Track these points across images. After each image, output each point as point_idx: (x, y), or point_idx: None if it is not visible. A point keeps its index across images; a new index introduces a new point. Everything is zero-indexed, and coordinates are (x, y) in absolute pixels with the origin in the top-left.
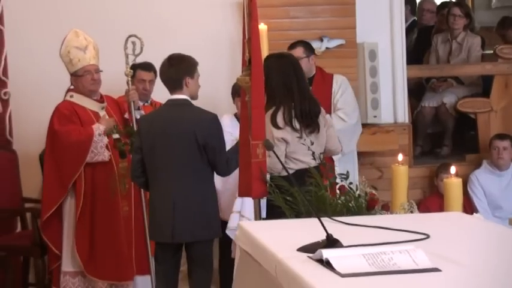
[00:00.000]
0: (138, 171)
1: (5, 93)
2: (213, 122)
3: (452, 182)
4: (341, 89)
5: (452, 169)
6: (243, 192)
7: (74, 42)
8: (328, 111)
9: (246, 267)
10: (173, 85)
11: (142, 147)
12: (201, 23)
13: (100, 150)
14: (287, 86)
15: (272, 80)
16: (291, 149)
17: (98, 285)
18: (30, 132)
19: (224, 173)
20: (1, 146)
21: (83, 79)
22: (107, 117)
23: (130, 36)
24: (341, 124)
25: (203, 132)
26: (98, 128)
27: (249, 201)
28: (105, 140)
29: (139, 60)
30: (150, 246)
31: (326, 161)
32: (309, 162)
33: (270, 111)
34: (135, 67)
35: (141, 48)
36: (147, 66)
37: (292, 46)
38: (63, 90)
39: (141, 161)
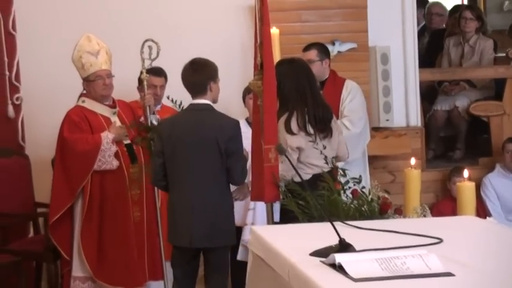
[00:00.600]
0: (160, 175)
1: (17, 98)
2: (234, 127)
3: (465, 185)
4: (350, 95)
5: (465, 173)
6: (256, 196)
7: (86, 47)
8: (336, 117)
9: (258, 272)
10: (197, 90)
11: (164, 152)
12: (213, 27)
13: (108, 159)
14: (300, 91)
15: (285, 85)
16: (305, 154)
17: None
18: (42, 137)
19: (238, 181)
20: (13, 151)
21: (94, 84)
22: (119, 123)
23: (146, 40)
24: (344, 132)
25: (224, 137)
26: (107, 137)
27: (261, 213)
28: (114, 148)
29: (133, 65)
30: (164, 251)
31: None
32: (323, 166)
33: (284, 118)
34: (146, 72)
35: (158, 53)
36: (158, 72)
37: (307, 48)
38: (76, 95)
39: (162, 165)
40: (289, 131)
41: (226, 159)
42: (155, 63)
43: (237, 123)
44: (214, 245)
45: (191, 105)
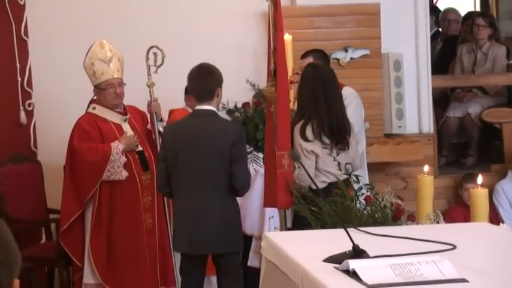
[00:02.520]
0: (164, 181)
1: (29, 104)
2: (238, 133)
3: (478, 192)
4: (345, 101)
5: (479, 179)
6: (269, 202)
7: (98, 54)
8: None
9: (272, 278)
10: (205, 95)
11: (167, 157)
12: (225, 33)
13: (117, 170)
14: (314, 99)
15: (304, 91)
16: (323, 162)
17: None
18: (54, 143)
19: (243, 187)
20: (25, 157)
21: (105, 92)
22: (130, 131)
23: (151, 47)
24: None
25: (228, 143)
26: (117, 147)
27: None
28: (123, 159)
29: (161, 71)
30: (175, 258)
31: None
32: (338, 174)
33: (300, 124)
34: None
35: (163, 59)
36: None
37: (304, 56)
38: (87, 101)
39: (165, 170)
40: (304, 137)
41: (230, 164)
42: (165, 69)
43: (240, 128)
44: (215, 251)
45: (196, 110)
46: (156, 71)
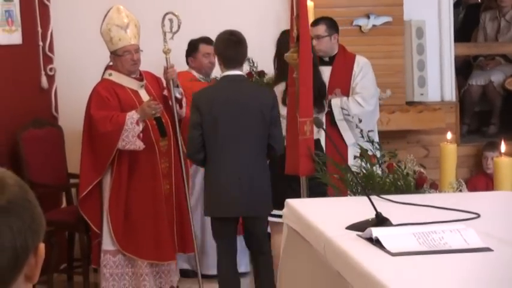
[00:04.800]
0: (199, 147)
1: (50, 69)
2: (273, 96)
3: (502, 161)
4: (362, 72)
5: (503, 147)
6: (291, 169)
7: (115, 20)
8: (347, 93)
9: (293, 246)
10: (238, 62)
11: (203, 124)
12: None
13: (131, 140)
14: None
15: (282, 55)
16: None
17: (138, 264)
18: (75, 108)
19: (280, 148)
20: (47, 122)
21: (122, 59)
22: (147, 97)
23: (167, 13)
24: (357, 109)
25: (268, 106)
26: (131, 117)
27: None
28: (138, 129)
29: (177, 37)
30: (193, 223)
31: None
32: None
33: (281, 87)
34: (198, 41)
35: (179, 26)
36: (209, 40)
37: (315, 23)
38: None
39: (201, 136)
40: (284, 103)
41: (269, 126)
42: (185, 34)
43: (273, 92)
44: (261, 214)
45: (228, 76)
46: (172, 38)
